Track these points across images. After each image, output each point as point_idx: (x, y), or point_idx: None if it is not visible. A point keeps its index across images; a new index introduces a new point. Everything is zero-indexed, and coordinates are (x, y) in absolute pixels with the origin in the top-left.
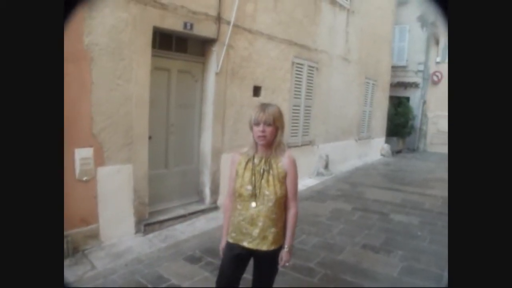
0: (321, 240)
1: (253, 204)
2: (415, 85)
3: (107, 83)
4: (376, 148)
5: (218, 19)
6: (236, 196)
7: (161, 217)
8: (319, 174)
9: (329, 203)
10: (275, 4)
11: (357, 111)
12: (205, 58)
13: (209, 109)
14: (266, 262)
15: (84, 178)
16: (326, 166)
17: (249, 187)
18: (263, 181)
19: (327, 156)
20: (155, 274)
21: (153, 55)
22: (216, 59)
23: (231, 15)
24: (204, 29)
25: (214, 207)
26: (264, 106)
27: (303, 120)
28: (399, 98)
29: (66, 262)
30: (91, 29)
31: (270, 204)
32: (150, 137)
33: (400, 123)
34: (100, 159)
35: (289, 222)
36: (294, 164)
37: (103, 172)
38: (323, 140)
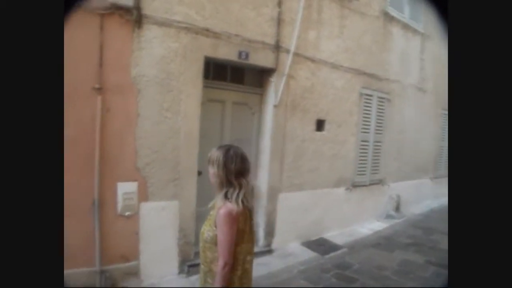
0: None
1: None
2: None
3: (154, 115)
4: None
5: (277, 47)
6: None
7: None
8: (388, 216)
9: (398, 253)
10: (340, 30)
11: (433, 146)
12: (263, 89)
13: (266, 144)
14: None
15: (126, 214)
16: (397, 208)
17: None
18: (205, 222)
19: (398, 196)
20: None
21: (206, 86)
22: (274, 90)
23: (290, 43)
24: (261, 59)
25: (267, 251)
26: (218, 147)
27: (372, 157)
28: None
29: None
30: (139, 61)
31: (199, 243)
32: (200, 173)
33: None
34: (144, 195)
35: (216, 277)
36: (222, 218)
37: (146, 208)
38: (394, 178)
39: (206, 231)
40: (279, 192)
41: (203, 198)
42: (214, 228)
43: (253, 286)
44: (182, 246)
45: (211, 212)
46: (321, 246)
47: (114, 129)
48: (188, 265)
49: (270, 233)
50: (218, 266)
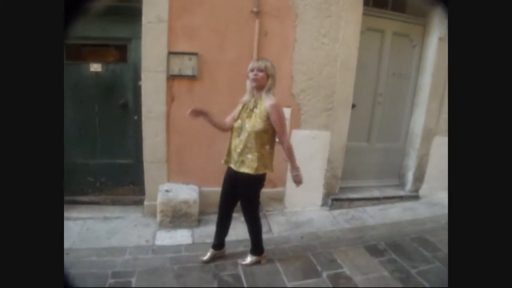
0: None
1: (239, 134)
2: None
3: (311, 41)
4: None
5: None
6: (231, 128)
7: (352, 195)
8: None
9: None
10: None
11: None
12: (427, 19)
13: (426, 81)
14: (241, 182)
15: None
16: None
17: (239, 121)
18: (247, 117)
19: None
20: (328, 257)
21: (365, 14)
22: (440, 21)
23: None
24: None
25: (414, 196)
26: (258, 58)
27: None
28: None
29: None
30: None
31: (246, 134)
32: (353, 105)
33: None
34: (296, 122)
35: (286, 154)
36: (275, 107)
37: (297, 135)
38: None
39: (258, 123)
40: (434, 135)
41: (354, 132)
42: (264, 119)
43: (398, 230)
44: (329, 179)
45: (255, 110)
46: None
47: (271, 53)
48: (332, 199)
49: (419, 178)
50: (284, 144)
